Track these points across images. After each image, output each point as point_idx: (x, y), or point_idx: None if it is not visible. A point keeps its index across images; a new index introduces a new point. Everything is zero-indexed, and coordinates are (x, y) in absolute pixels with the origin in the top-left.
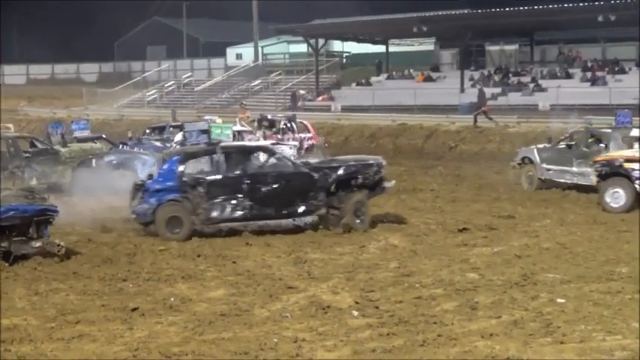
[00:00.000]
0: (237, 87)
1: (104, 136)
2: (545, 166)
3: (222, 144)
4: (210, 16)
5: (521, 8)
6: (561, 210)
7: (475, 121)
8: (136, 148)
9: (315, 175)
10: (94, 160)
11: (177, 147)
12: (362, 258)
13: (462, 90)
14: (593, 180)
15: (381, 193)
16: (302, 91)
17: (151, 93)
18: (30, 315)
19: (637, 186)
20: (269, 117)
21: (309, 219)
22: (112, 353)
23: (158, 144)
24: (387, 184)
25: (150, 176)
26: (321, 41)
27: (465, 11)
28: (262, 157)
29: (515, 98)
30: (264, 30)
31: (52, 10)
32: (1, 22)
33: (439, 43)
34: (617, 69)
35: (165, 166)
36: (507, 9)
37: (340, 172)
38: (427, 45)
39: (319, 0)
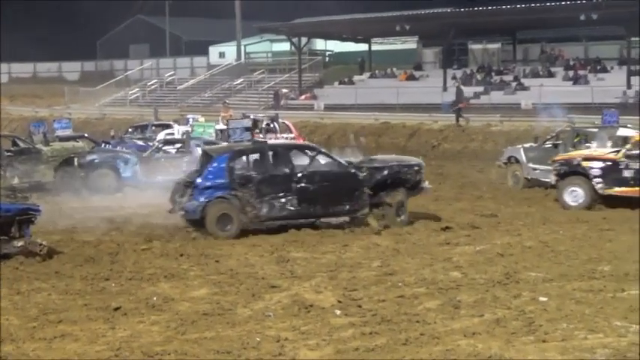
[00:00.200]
0: (219, 86)
1: (86, 135)
2: (531, 165)
3: (270, 142)
4: (193, 14)
5: (504, 7)
6: (544, 209)
7: (457, 119)
8: (118, 147)
9: (361, 175)
10: (76, 159)
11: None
12: (345, 257)
13: (445, 89)
14: (552, 179)
15: (420, 194)
16: (285, 90)
17: (133, 92)
18: (12, 314)
19: (594, 184)
20: (251, 116)
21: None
22: (94, 353)
23: (140, 143)
24: (425, 185)
25: (197, 173)
26: (303, 40)
27: (448, 10)
28: (309, 155)
29: (497, 97)
30: (247, 28)
31: (34, 9)
32: None
33: (422, 42)
34: (599, 68)
35: (215, 163)
36: (490, 7)
37: (385, 172)
38: (410, 43)
39: None
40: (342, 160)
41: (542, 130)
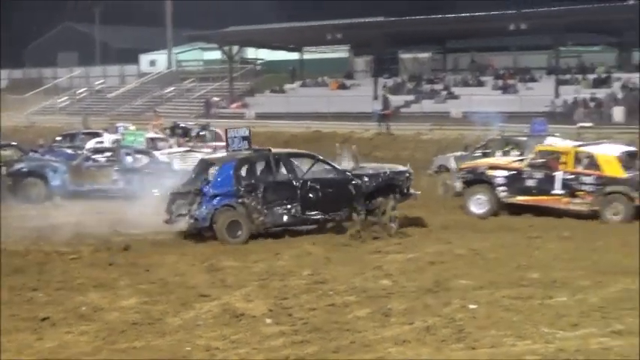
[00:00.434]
0: (150, 94)
1: (15, 143)
2: None
3: (275, 150)
4: (123, 22)
5: (434, 16)
6: (474, 217)
7: (387, 127)
8: (47, 156)
9: (358, 182)
10: (4, 168)
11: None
12: (276, 265)
13: (376, 97)
14: (458, 186)
15: (409, 199)
16: (216, 98)
17: (62, 100)
18: None
19: (498, 192)
20: (182, 125)
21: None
22: None
23: (70, 151)
24: (413, 191)
25: (206, 181)
26: (235, 48)
27: (379, 19)
28: (309, 163)
29: (428, 105)
30: (178, 37)
31: None
32: None
33: (353, 51)
34: (528, 77)
35: (222, 172)
36: (420, 17)
37: (380, 179)
38: (341, 52)
39: (239, 0)
40: (340, 168)
41: (472, 139)
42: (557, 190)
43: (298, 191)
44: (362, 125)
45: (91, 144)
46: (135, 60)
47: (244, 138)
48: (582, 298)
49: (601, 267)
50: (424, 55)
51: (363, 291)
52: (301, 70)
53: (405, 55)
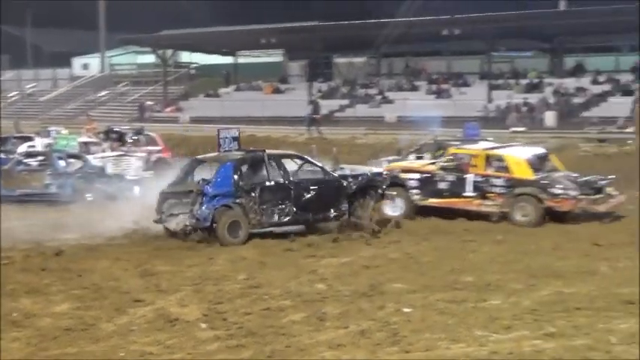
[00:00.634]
0: (83, 98)
1: None
2: None
3: (268, 151)
4: (55, 25)
5: (369, 21)
6: (408, 220)
7: (319, 131)
8: None
9: (344, 183)
10: None
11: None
12: (210, 270)
13: (310, 102)
14: None
15: (385, 199)
16: (150, 102)
17: None
18: None
19: (411, 195)
20: (116, 129)
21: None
22: None
23: (1, 155)
24: (389, 192)
25: (205, 181)
26: (169, 52)
27: (314, 23)
28: (299, 163)
29: (362, 110)
30: (111, 40)
31: None
32: None
33: (287, 55)
34: (461, 82)
35: (221, 172)
36: (355, 22)
37: (363, 180)
38: (276, 57)
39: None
40: (328, 169)
41: (406, 143)
42: (469, 192)
43: (292, 192)
44: (296, 129)
45: (22, 148)
46: (67, 63)
47: (234, 139)
48: (515, 301)
49: (534, 270)
50: (358, 60)
51: (298, 295)
52: (235, 74)
53: (340, 60)
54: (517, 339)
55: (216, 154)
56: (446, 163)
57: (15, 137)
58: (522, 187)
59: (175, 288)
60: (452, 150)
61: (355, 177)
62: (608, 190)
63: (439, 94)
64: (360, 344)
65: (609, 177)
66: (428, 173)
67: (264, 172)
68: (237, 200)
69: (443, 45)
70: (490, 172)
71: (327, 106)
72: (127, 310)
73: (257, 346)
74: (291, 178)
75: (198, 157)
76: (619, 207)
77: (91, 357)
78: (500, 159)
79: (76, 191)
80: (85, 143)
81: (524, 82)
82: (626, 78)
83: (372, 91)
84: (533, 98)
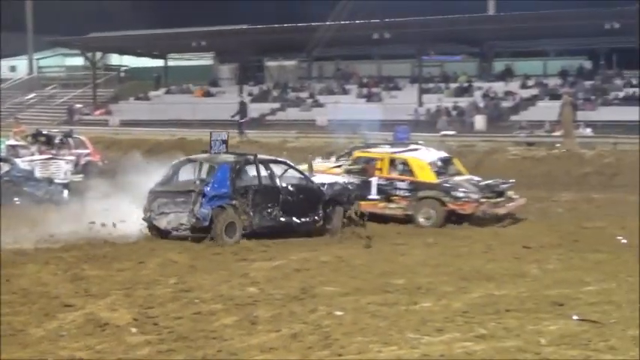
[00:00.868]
0: (11, 100)
1: None
2: None
3: (259, 155)
4: None
5: (299, 25)
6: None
7: (241, 133)
8: None
9: (323, 189)
10: None
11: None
12: (141, 274)
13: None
14: None
15: (353, 206)
16: (79, 105)
17: None
18: None
19: None
20: (44, 132)
21: None
22: None
23: None
24: (356, 200)
25: (203, 182)
26: (98, 54)
27: (244, 26)
28: (282, 169)
29: (293, 113)
30: (39, 42)
31: None
32: None
33: (218, 58)
34: (391, 85)
35: (219, 173)
36: (285, 25)
37: (337, 187)
38: (206, 60)
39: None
40: (309, 176)
41: (336, 147)
42: (374, 195)
43: (280, 196)
44: (227, 132)
45: None
46: None
47: (223, 141)
48: (446, 303)
49: (464, 273)
50: (289, 63)
51: (230, 299)
52: (166, 77)
53: (271, 63)
54: (448, 341)
55: (207, 155)
56: (351, 167)
57: None
58: (425, 190)
59: (105, 292)
60: (357, 153)
61: (331, 184)
62: (509, 193)
63: (370, 97)
64: (292, 348)
65: (510, 181)
66: (333, 176)
67: (256, 175)
68: (233, 202)
69: (374, 49)
70: (394, 175)
71: (258, 109)
72: (56, 315)
73: (188, 351)
74: (280, 183)
75: (190, 157)
76: (519, 210)
77: None
78: (404, 162)
79: (4, 195)
80: (13, 146)
81: (454, 85)
82: (554, 82)
83: (303, 95)
84: (463, 102)
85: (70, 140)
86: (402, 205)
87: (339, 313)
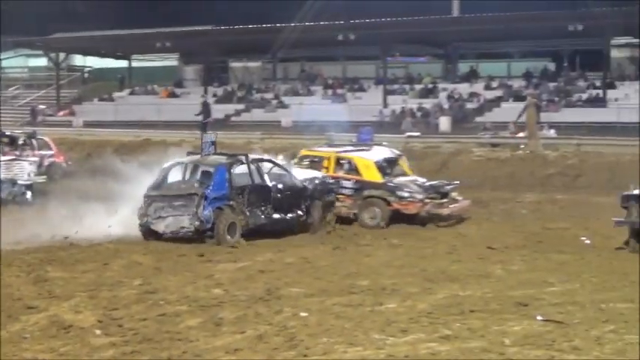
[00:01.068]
0: None
1: None
2: None
3: (251, 155)
4: None
5: (263, 26)
6: (303, 224)
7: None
8: None
9: (305, 186)
10: None
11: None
12: (105, 276)
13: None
14: None
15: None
16: (42, 106)
17: None
18: None
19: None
20: (7, 133)
21: None
22: None
23: None
24: (332, 197)
25: (203, 184)
26: (62, 55)
27: (209, 27)
28: (268, 167)
29: (258, 114)
30: (1, 43)
31: None
32: None
33: (183, 59)
34: (356, 87)
35: (218, 175)
36: (250, 26)
37: (317, 184)
38: (170, 61)
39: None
40: (293, 173)
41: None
42: None
43: (271, 194)
44: (192, 133)
45: None
46: None
47: (212, 143)
48: (411, 304)
49: (429, 274)
50: (254, 64)
51: (195, 300)
52: (130, 78)
53: (235, 64)
54: (413, 342)
55: (198, 157)
56: (297, 165)
57: None
58: (371, 189)
59: (69, 294)
60: (303, 152)
61: (310, 181)
62: (453, 194)
63: (335, 98)
64: (258, 349)
65: (454, 182)
66: (312, 172)
67: (249, 175)
68: (230, 202)
69: (338, 50)
70: (340, 174)
71: (222, 110)
72: (19, 317)
73: (153, 352)
74: (270, 181)
75: (180, 159)
76: (464, 210)
77: None
78: (349, 162)
79: None
80: None
81: (418, 87)
82: (518, 84)
83: (268, 96)
84: (428, 103)
85: (34, 141)
86: (347, 204)
87: (304, 314)
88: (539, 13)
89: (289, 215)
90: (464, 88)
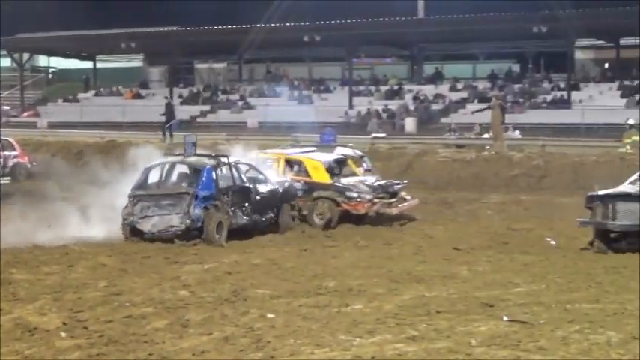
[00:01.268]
0: None
1: None
2: None
3: (231, 158)
4: None
5: (229, 27)
6: (272, 226)
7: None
8: None
9: (277, 188)
10: None
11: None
12: (70, 277)
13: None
14: None
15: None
16: (6, 107)
17: None
18: None
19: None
20: None
21: None
22: None
23: None
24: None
25: (192, 184)
26: (25, 56)
27: (174, 28)
28: (245, 169)
29: (224, 116)
30: None
31: None
32: None
33: (148, 60)
34: (322, 88)
35: (205, 175)
36: (215, 27)
37: (286, 186)
38: (136, 61)
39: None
40: (267, 176)
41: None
42: None
43: (251, 195)
44: (157, 135)
45: None
46: None
47: (193, 144)
48: (378, 305)
49: (395, 275)
50: (220, 65)
51: (161, 302)
52: (95, 79)
53: (201, 65)
54: (380, 343)
55: (182, 158)
56: None
57: None
58: (320, 190)
59: (34, 296)
60: (254, 154)
61: (280, 184)
62: (402, 194)
63: (301, 99)
64: (224, 350)
65: (404, 182)
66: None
67: (231, 176)
68: (216, 202)
69: (304, 51)
70: (290, 175)
71: (188, 111)
72: None
73: (119, 355)
74: (250, 183)
75: (164, 160)
76: (412, 210)
77: None
78: (299, 163)
79: None
80: None
81: (384, 88)
82: (483, 85)
83: (234, 97)
84: (394, 104)
85: None
86: (297, 204)
87: (270, 315)
88: (504, 15)
89: (265, 216)
90: (429, 90)
